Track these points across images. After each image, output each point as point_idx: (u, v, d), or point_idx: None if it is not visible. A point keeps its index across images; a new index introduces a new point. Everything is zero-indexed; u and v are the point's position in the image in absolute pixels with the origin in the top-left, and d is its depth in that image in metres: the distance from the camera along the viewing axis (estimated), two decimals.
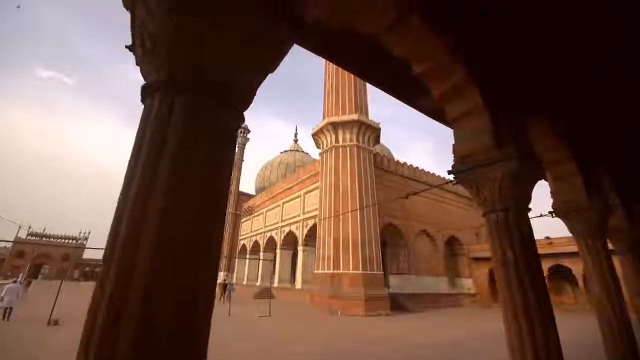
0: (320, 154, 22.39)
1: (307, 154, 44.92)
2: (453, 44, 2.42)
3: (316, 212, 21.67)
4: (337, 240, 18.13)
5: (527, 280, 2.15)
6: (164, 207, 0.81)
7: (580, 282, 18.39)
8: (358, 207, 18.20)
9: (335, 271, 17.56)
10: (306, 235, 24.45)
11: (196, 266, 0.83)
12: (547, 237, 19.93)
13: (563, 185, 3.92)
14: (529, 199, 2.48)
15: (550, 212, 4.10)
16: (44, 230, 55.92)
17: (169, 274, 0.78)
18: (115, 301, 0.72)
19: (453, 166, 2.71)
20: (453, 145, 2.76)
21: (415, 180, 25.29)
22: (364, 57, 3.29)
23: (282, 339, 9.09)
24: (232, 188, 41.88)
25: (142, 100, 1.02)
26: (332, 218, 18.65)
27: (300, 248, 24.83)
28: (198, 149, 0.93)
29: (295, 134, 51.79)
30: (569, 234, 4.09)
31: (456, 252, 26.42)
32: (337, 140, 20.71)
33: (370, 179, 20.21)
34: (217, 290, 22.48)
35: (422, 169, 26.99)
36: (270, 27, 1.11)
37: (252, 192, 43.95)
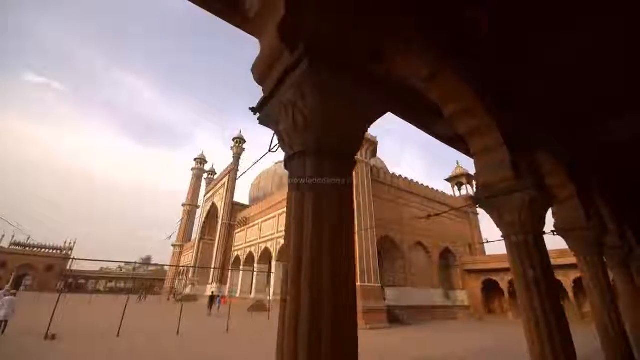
0: None
1: None
2: (478, 91, 2.85)
3: None
4: None
5: (546, 296, 2.52)
6: (332, 243, 1.15)
7: (571, 294, 18.96)
8: (356, 218, 18.57)
9: None
10: None
11: (351, 281, 1.17)
12: None
13: (564, 207, 4.38)
14: (543, 223, 2.89)
15: (552, 231, 4.54)
16: (28, 239, 54.10)
17: (341, 292, 1.11)
18: (315, 315, 1.04)
19: (476, 193, 3.12)
20: (475, 174, 3.17)
21: (410, 192, 25.99)
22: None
23: None
24: (226, 199, 41.72)
25: (289, 161, 1.37)
26: None
27: None
28: (341, 193, 1.29)
29: None
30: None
31: (450, 264, 26.89)
32: None
33: (368, 190, 20.68)
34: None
35: (417, 182, 27.70)
36: (377, 99, 1.49)
37: (246, 202, 43.90)
